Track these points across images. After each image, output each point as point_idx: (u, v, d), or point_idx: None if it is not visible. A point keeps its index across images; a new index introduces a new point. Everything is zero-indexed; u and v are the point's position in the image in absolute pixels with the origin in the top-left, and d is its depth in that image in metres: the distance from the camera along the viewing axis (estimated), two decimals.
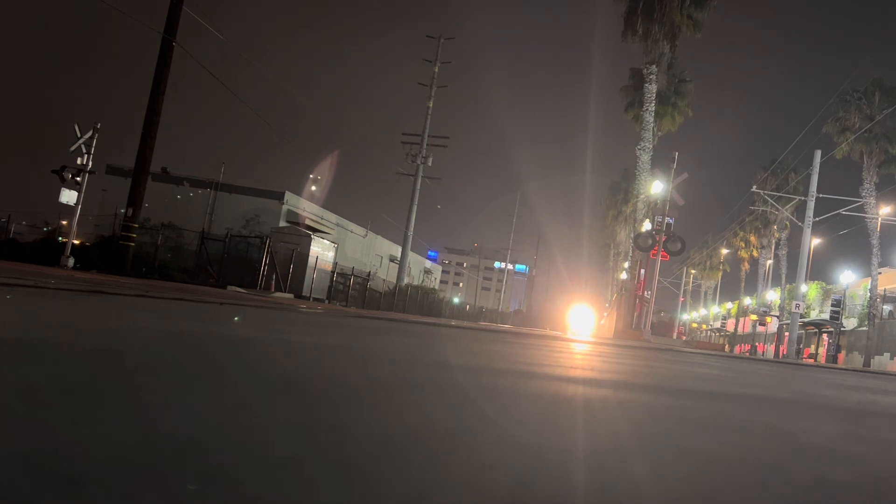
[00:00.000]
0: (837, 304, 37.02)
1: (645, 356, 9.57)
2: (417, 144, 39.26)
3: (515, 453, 1.50)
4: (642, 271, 32.01)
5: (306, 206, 41.84)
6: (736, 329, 64.10)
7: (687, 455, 1.71)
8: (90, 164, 22.17)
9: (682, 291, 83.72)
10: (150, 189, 22.45)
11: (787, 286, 48.92)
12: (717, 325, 76.18)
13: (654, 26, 31.35)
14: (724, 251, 67.61)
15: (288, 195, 39.70)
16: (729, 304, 74.72)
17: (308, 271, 30.53)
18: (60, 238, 26.50)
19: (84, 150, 21.88)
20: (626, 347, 13.58)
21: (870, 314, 36.26)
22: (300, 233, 31.85)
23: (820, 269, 52.85)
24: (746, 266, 61.73)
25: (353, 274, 36.10)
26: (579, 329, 38.65)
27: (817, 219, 33.10)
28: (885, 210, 37.09)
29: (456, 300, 67.89)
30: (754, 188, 41.32)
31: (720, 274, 75.24)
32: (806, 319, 41.00)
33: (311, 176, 44.99)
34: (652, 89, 32.49)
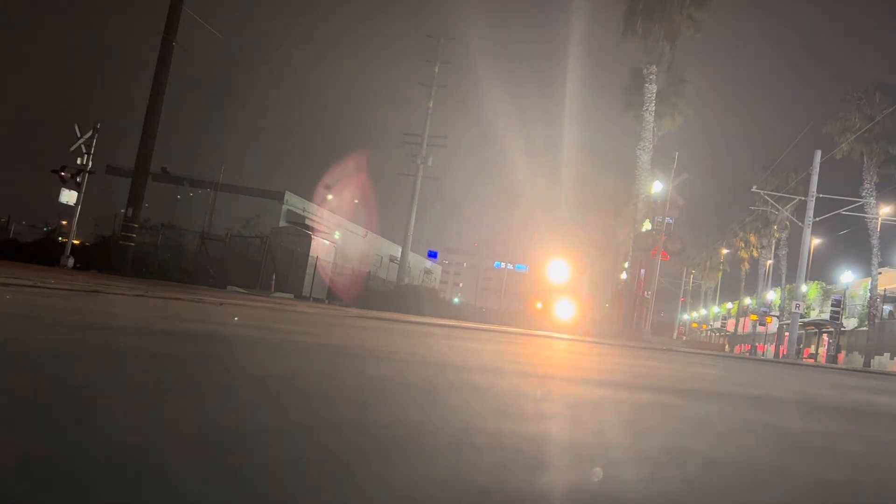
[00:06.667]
0: (837, 304, 37.00)
1: (646, 356, 9.57)
2: (418, 144, 39.24)
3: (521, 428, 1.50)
4: (642, 271, 31.99)
5: (306, 206, 41.86)
6: (736, 329, 64.07)
7: (688, 452, 1.71)
8: (90, 164, 22.17)
9: (682, 291, 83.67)
10: (150, 189, 22.47)
11: (787, 286, 48.89)
12: (717, 325, 76.15)
13: (654, 26, 31.31)
14: (724, 251, 67.57)
15: (288, 195, 39.71)
16: (729, 304, 74.69)
17: (308, 271, 30.53)
18: (60, 238, 26.47)
19: (84, 150, 21.89)
20: (626, 347, 13.57)
21: (870, 314, 36.26)
22: (300, 233, 31.85)
23: (820, 269, 52.75)
24: (746, 266, 61.69)
25: (352, 274, 36.10)
26: (563, 315, 33.15)
27: (817, 219, 33.04)
28: (885, 210, 37.06)
29: (456, 300, 67.87)
30: (754, 188, 41.27)
31: (720, 274, 75.15)
32: (806, 319, 40.97)
33: (326, 186, 44.92)
34: (652, 89, 32.46)
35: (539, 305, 34.86)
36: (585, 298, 45.17)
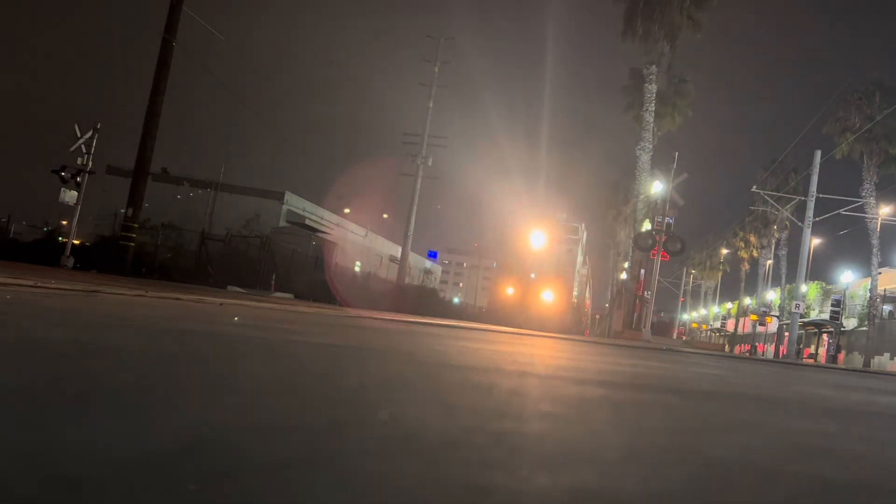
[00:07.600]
0: (837, 304, 37.02)
1: (647, 356, 9.57)
2: (418, 144, 39.22)
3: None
4: (642, 271, 31.99)
5: (306, 206, 41.87)
6: (736, 329, 64.08)
7: (687, 451, 1.71)
8: (90, 164, 22.13)
9: (682, 291, 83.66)
10: (150, 189, 22.46)
11: (787, 286, 48.88)
12: (717, 325, 76.16)
13: (654, 26, 31.31)
14: (724, 251, 67.57)
15: (288, 195, 39.72)
16: (729, 304, 74.69)
17: (308, 271, 30.54)
18: (60, 238, 26.44)
19: (84, 150, 21.85)
20: (626, 347, 13.57)
21: (870, 314, 36.27)
22: (300, 233, 31.88)
23: (820, 269, 52.78)
24: (746, 266, 61.68)
25: (353, 274, 36.10)
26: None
27: (817, 219, 33.01)
28: (885, 210, 37.05)
29: (456, 300, 67.82)
30: (754, 188, 41.25)
31: (720, 274, 75.17)
32: (806, 319, 40.97)
33: (326, 186, 45.09)
34: (652, 89, 32.46)
35: (510, 291, 33.84)
36: (586, 298, 45.12)
